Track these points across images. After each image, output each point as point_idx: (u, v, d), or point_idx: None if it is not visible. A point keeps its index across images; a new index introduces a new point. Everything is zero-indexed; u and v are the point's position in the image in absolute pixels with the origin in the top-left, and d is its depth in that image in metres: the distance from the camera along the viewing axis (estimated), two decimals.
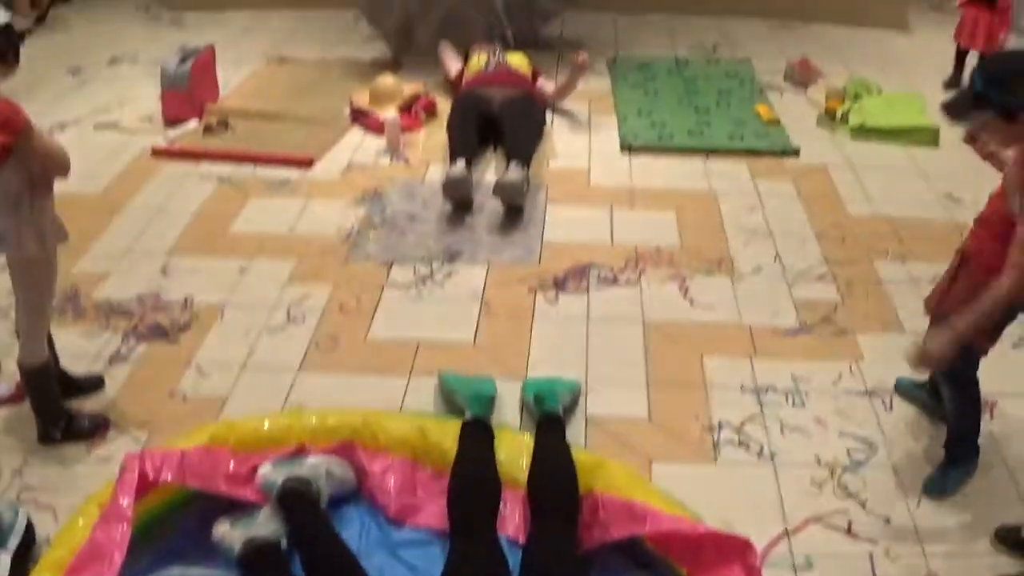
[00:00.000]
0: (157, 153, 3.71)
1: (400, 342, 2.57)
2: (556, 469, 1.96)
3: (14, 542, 1.89)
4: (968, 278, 2.00)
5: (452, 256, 2.97)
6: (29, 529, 1.94)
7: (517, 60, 4.08)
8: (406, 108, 3.98)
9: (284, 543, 1.88)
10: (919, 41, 5.16)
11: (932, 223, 3.19)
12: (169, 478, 1.92)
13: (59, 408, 2.24)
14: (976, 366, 2.09)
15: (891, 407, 2.38)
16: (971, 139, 2.13)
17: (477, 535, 1.82)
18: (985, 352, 2.05)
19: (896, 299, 2.78)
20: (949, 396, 2.13)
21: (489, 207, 3.25)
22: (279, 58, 4.88)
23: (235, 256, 2.99)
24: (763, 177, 3.54)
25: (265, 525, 1.90)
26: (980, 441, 2.17)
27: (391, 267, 2.92)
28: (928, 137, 3.79)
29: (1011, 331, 2.09)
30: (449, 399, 2.31)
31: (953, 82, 4.38)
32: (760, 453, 2.22)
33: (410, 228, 3.14)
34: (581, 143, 3.82)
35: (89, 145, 3.74)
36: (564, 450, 2.03)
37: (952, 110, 1.84)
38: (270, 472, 2.00)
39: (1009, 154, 1.92)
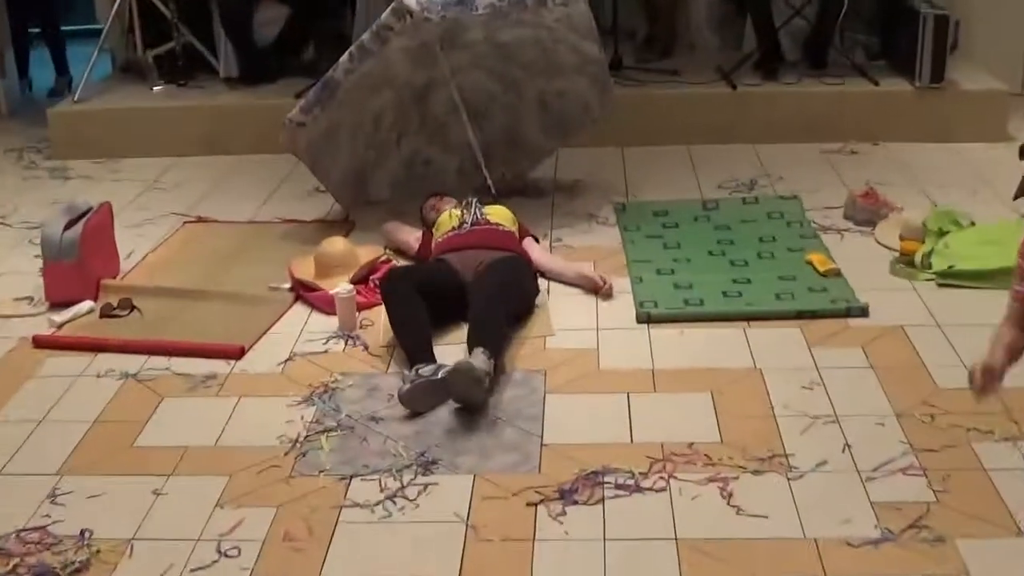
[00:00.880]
0: (40, 344, 3.89)
1: None
2: None
3: None
4: None
5: (428, 466, 3.10)
6: None
7: (499, 214, 4.35)
8: (362, 279, 4.22)
9: None
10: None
11: None
12: None
13: None
14: None
15: None
16: None
17: None
18: None
19: (1008, 492, 2.88)
20: None
21: None
22: (197, 218, 5.19)
23: (146, 475, 3.10)
24: (823, 345, 3.72)
25: None
26: None
27: (350, 483, 3.04)
28: None
29: None
30: None
31: None
32: None
33: (373, 432, 3.28)
34: (586, 314, 4.03)
35: None
36: None
37: None
38: None
39: None
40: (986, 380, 2.47)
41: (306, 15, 6.63)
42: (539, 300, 4.08)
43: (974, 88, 5.98)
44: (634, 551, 2.74)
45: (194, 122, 6.23)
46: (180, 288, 4.32)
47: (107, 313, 4.11)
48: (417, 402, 3.35)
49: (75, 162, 6.07)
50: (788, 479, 2.99)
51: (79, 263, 4.18)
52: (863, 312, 3.91)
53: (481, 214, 4.29)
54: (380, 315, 4.02)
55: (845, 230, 4.71)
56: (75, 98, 6.38)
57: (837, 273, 4.21)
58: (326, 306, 4.08)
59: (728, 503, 2.90)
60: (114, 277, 4.45)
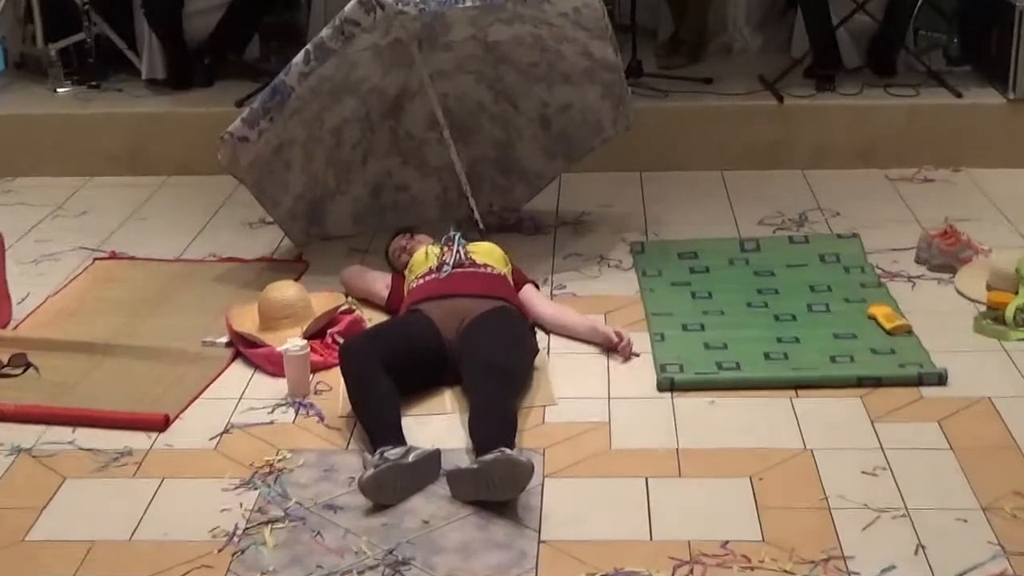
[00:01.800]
0: None
1: None
2: None
3: None
4: None
5: (397, 567, 3.08)
6: None
7: (488, 254, 4.35)
8: (317, 333, 4.24)
9: None
10: None
11: None
12: None
13: None
14: None
15: None
16: None
17: None
18: None
19: None
20: None
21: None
22: (111, 253, 5.21)
23: None
24: (889, 421, 3.72)
25: None
26: None
27: None
28: None
29: None
30: None
31: None
32: None
33: (329, 524, 3.27)
34: (595, 379, 4.04)
35: None
36: None
37: None
38: None
39: None
40: None
41: (250, 4, 6.69)
42: (537, 360, 4.10)
43: None
44: None
45: (109, 134, 6.27)
46: (88, 342, 4.31)
47: None
48: (382, 491, 3.34)
49: None
50: None
51: None
52: (940, 379, 3.92)
53: (465, 253, 4.30)
54: (339, 377, 4.03)
55: (918, 277, 4.75)
56: None
57: (908, 331, 4.23)
58: (272, 366, 4.09)
59: None
60: (4, 326, 4.46)
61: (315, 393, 3.99)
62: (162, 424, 3.79)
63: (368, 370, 3.70)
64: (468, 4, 4.57)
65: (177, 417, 3.85)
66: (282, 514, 3.32)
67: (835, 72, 6.32)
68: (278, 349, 4.03)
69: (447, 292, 4.09)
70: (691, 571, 3.04)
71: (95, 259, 5.16)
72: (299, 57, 4.54)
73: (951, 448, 3.57)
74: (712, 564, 3.06)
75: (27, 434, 3.77)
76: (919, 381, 3.91)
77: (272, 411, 3.89)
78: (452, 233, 4.38)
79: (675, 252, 5.02)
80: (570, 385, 4.00)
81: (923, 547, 3.12)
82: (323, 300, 4.38)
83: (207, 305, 4.60)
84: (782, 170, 6.02)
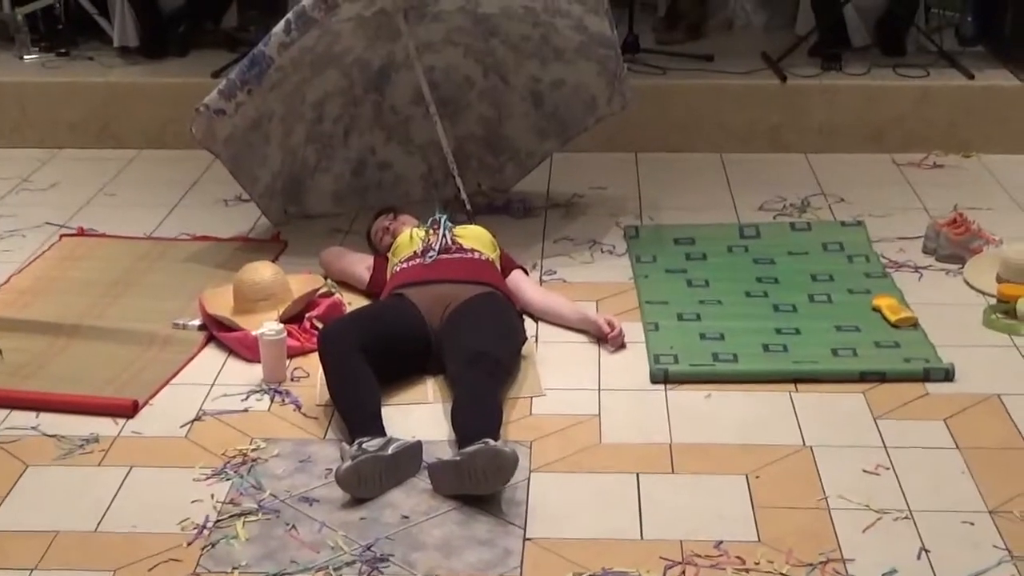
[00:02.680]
0: None
1: None
2: None
3: None
4: None
5: (375, 563, 3.08)
6: None
7: (475, 237, 4.36)
8: (295, 317, 4.23)
9: None
10: None
11: None
12: None
13: None
14: None
15: None
16: None
17: None
18: None
19: None
20: None
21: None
22: (79, 230, 5.20)
23: (1, 569, 3.08)
24: (893, 417, 3.73)
25: None
26: None
27: None
28: None
29: None
30: None
31: None
32: None
33: (304, 518, 3.27)
34: (585, 370, 4.04)
35: None
36: None
37: None
38: None
39: None
40: None
41: None
42: (525, 349, 4.10)
43: None
44: None
45: (78, 104, 6.26)
46: (54, 322, 4.31)
47: None
48: (360, 484, 3.34)
49: None
50: None
51: None
52: (947, 375, 3.93)
53: (452, 237, 4.30)
54: (318, 363, 4.03)
55: (925, 268, 4.77)
56: None
57: (913, 324, 4.25)
58: (247, 351, 4.09)
59: None
60: None
61: (292, 380, 3.99)
62: (130, 410, 3.79)
63: (348, 357, 3.70)
64: None
65: (146, 403, 3.85)
66: (255, 506, 3.32)
67: (842, 51, 6.33)
68: (253, 333, 4.03)
69: (432, 278, 4.09)
70: (683, 572, 3.05)
71: (62, 236, 5.15)
72: (279, 27, 4.52)
73: (957, 447, 3.58)
74: (705, 565, 3.07)
75: None
76: (925, 377, 3.93)
77: (246, 398, 3.89)
78: (438, 216, 4.38)
79: (671, 238, 5.02)
80: (559, 375, 4.01)
81: (927, 551, 3.13)
82: (301, 282, 4.38)
83: (179, 286, 4.59)
84: (784, 153, 6.04)
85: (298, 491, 3.39)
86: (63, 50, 6.62)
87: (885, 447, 3.59)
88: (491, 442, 3.30)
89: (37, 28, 6.70)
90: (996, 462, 3.51)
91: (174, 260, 4.89)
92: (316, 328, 4.16)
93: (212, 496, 3.38)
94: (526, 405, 3.84)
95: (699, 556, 3.10)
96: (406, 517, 3.28)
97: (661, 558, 3.09)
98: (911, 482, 3.42)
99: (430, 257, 4.19)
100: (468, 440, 3.35)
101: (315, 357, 3.98)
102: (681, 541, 3.16)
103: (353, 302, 4.43)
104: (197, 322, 4.27)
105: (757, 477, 3.44)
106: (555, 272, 4.76)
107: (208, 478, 3.46)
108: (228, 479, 3.46)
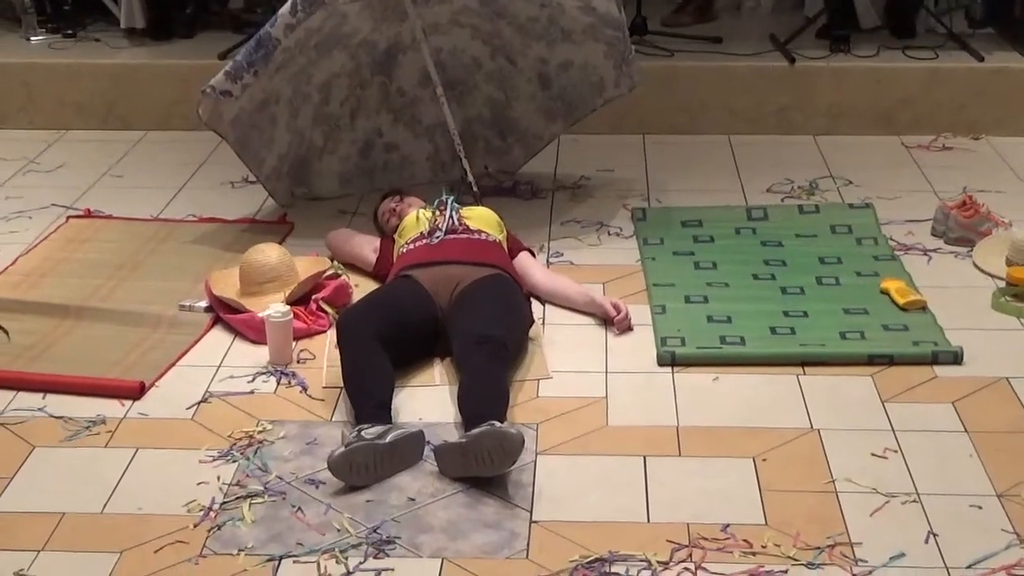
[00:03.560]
0: None
1: None
2: None
3: None
4: None
5: (382, 545, 3.09)
6: None
7: (482, 219, 4.35)
8: (301, 299, 4.23)
9: None
10: None
11: None
12: None
13: None
14: None
15: None
16: None
17: None
18: None
19: None
20: None
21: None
22: (86, 211, 5.20)
23: (8, 550, 3.09)
24: (901, 401, 3.73)
25: None
26: None
27: (279, 565, 3.03)
28: None
29: None
30: None
31: None
32: None
33: (310, 500, 3.28)
34: (592, 353, 4.04)
35: None
36: None
37: None
38: None
39: None
40: None
41: None
42: (532, 332, 4.10)
43: None
44: None
45: (85, 86, 6.26)
46: (61, 304, 4.32)
47: None
48: (351, 471, 3.33)
49: None
50: (853, 575, 2.99)
51: None
52: (955, 358, 3.93)
53: (459, 218, 4.30)
54: (324, 345, 4.04)
55: (934, 250, 4.76)
56: None
57: (922, 307, 4.24)
58: (253, 332, 4.09)
59: None
60: None
61: (298, 362, 3.99)
62: (137, 392, 3.79)
63: (365, 346, 3.69)
64: None
65: (153, 385, 3.86)
66: (261, 488, 3.33)
67: (850, 32, 6.31)
68: (259, 315, 4.03)
69: (438, 259, 4.09)
70: (690, 555, 3.05)
71: (69, 217, 5.16)
72: (285, 8, 4.51)
73: (966, 431, 3.58)
74: (712, 548, 3.07)
75: None
76: (933, 360, 3.92)
77: (253, 380, 3.90)
78: (445, 197, 4.37)
79: (678, 220, 5.02)
80: (566, 358, 4.00)
81: (934, 534, 3.13)
82: (308, 264, 4.38)
83: (186, 268, 4.60)
84: (793, 135, 6.03)
85: (304, 473, 3.40)
86: (70, 31, 6.62)
87: (893, 430, 3.58)
88: (497, 424, 3.30)
89: (44, 9, 6.69)
90: (1005, 445, 3.50)
91: (180, 242, 4.89)
92: (323, 310, 4.18)
93: (218, 478, 3.38)
94: (533, 388, 3.83)
95: (706, 539, 3.10)
96: (412, 499, 3.28)
97: (668, 541, 3.10)
98: (919, 465, 3.41)
99: (437, 238, 4.19)
100: (474, 422, 3.35)
101: (322, 339, 4.01)
102: (688, 524, 3.17)
103: (360, 284, 4.43)
104: (203, 304, 4.27)
105: (764, 460, 3.44)
106: (562, 254, 4.76)
107: (214, 460, 3.47)
108: (234, 461, 3.46)
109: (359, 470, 3.32)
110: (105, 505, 3.29)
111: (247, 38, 4.76)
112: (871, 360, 3.92)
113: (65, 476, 3.42)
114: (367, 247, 4.55)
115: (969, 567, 3.01)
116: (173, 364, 3.98)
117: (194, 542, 3.12)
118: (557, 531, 3.15)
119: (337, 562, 3.04)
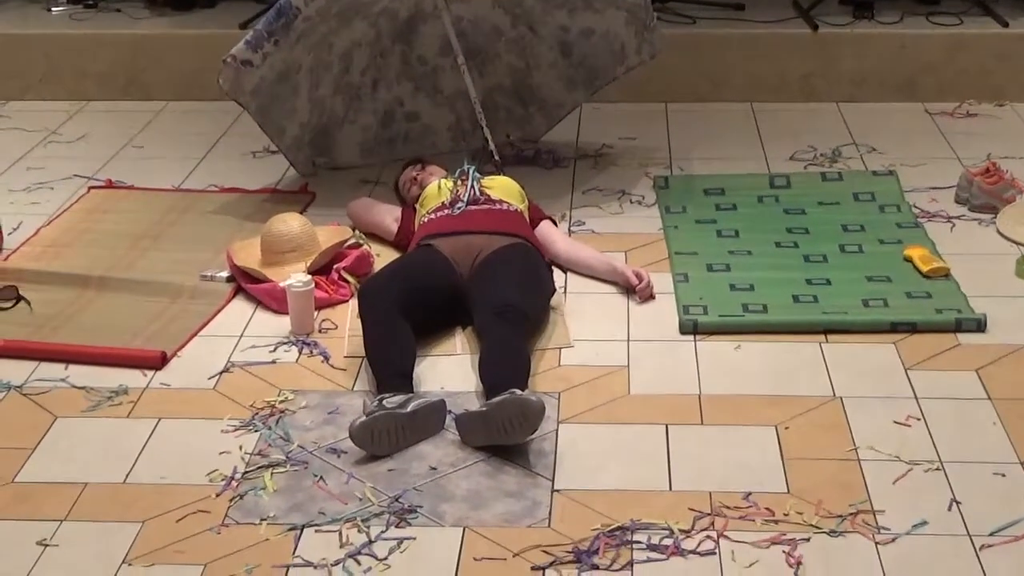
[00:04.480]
0: None
1: None
2: None
3: None
4: None
5: (404, 514, 3.10)
6: None
7: (504, 189, 4.36)
8: (323, 268, 4.23)
9: None
10: None
11: None
12: None
13: None
14: None
15: None
16: None
17: None
18: None
19: None
20: None
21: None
22: (107, 182, 5.21)
23: (31, 520, 3.11)
24: (924, 368, 3.72)
25: None
26: None
27: (301, 535, 3.04)
28: None
29: None
30: None
31: None
32: None
33: (332, 469, 3.29)
34: (614, 321, 4.04)
35: None
36: None
37: None
38: None
39: None
40: None
41: None
42: (554, 300, 4.10)
43: None
44: None
45: (106, 56, 6.26)
46: (83, 274, 4.33)
47: None
48: (372, 440, 3.33)
49: None
50: (876, 543, 2.99)
51: None
52: (979, 326, 3.92)
53: (480, 189, 4.29)
54: (346, 315, 4.04)
55: (957, 218, 4.74)
56: None
57: (945, 274, 4.23)
58: (275, 302, 4.10)
59: (796, 573, 2.90)
60: None
61: (320, 331, 3.99)
62: (159, 361, 3.81)
63: (387, 315, 3.70)
64: None
65: (175, 355, 3.87)
66: (283, 458, 3.34)
67: None
68: (281, 284, 4.03)
69: (460, 228, 4.09)
70: (712, 523, 3.05)
71: (90, 188, 5.17)
72: None
73: (989, 398, 3.57)
74: (734, 516, 3.08)
75: (18, 370, 3.79)
76: (957, 327, 3.91)
77: (274, 349, 3.90)
78: (466, 167, 4.37)
79: (701, 188, 5.01)
80: (588, 327, 4.00)
81: (957, 502, 3.13)
82: (329, 233, 4.38)
83: (207, 238, 4.61)
84: (816, 103, 6.00)
85: (326, 442, 3.41)
86: (91, 2, 6.62)
87: (916, 398, 3.58)
88: (518, 392, 3.29)
89: None
90: None
91: (202, 212, 4.90)
92: (344, 280, 4.18)
93: (240, 447, 3.40)
94: (555, 356, 3.83)
95: (728, 507, 3.10)
96: (434, 468, 3.29)
97: (690, 509, 3.10)
98: (942, 433, 3.41)
99: (458, 208, 4.18)
100: (495, 391, 3.35)
101: (343, 309, 4.01)
102: (710, 492, 3.17)
103: (381, 253, 4.43)
104: (225, 274, 4.28)
105: (787, 428, 3.44)
106: (584, 223, 4.75)
107: (236, 429, 3.48)
108: (256, 431, 3.47)
109: (380, 439, 3.32)
110: (127, 475, 3.30)
111: (267, 7, 4.75)
112: (894, 328, 3.91)
113: (87, 446, 3.43)
114: (388, 216, 4.54)
115: (992, 535, 3.00)
116: (195, 334, 3.99)
117: (216, 511, 3.13)
118: (579, 500, 3.15)
119: (359, 531, 3.05)
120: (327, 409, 3.57)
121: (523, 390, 3.36)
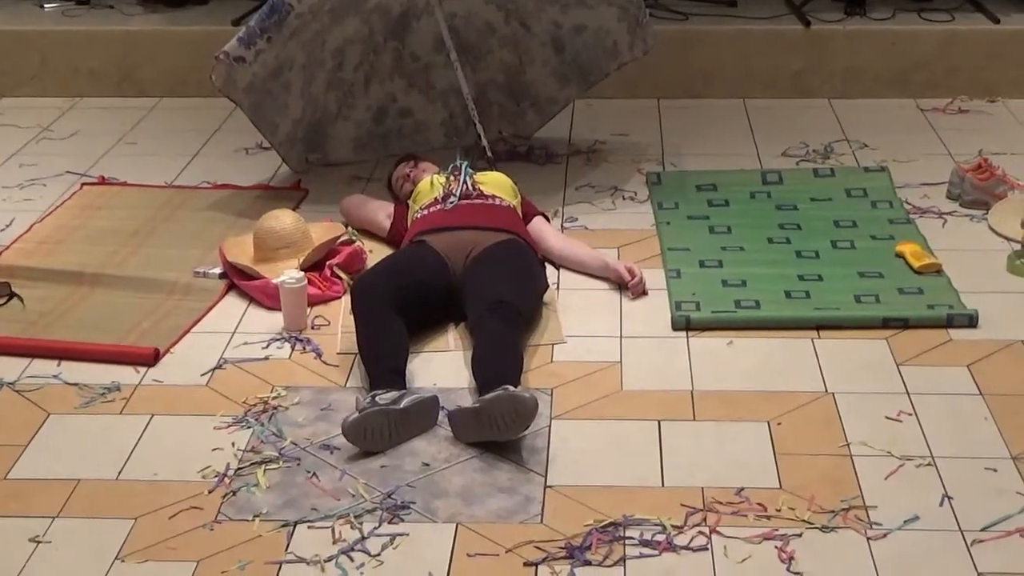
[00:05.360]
0: None
1: None
2: None
3: None
4: None
5: (396, 511, 3.10)
6: None
7: (496, 184, 4.35)
8: (315, 265, 4.23)
9: None
10: None
11: None
12: None
13: None
14: None
15: None
16: None
17: None
18: None
19: None
20: None
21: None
22: (100, 179, 5.21)
23: (23, 516, 3.11)
24: (916, 364, 3.73)
25: None
26: None
27: (294, 531, 3.04)
28: None
29: None
30: None
31: None
32: None
33: (325, 466, 3.29)
34: (606, 317, 4.04)
35: None
36: None
37: None
38: None
39: None
40: None
41: None
42: (546, 296, 4.10)
43: None
44: None
45: (98, 52, 6.25)
46: (75, 271, 4.33)
47: None
48: (365, 436, 3.33)
49: None
50: (868, 539, 2.99)
51: None
52: (971, 321, 3.92)
53: (473, 184, 4.28)
54: (339, 311, 4.04)
55: (949, 213, 4.74)
56: None
57: (937, 270, 4.23)
58: (268, 299, 4.09)
59: (788, 568, 2.90)
60: None
61: (312, 328, 3.99)
62: (152, 358, 3.80)
63: (380, 312, 3.70)
64: None
65: (167, 351, 3.87)
66: (276, 454, 3.34)
67: None
68: (274, 281, 4.03)
69: (453, 224, 4.08)
70: (704, 519, 3.05)
71: (83, 184, 5.16)
72: None
73: (981, 394, 3.58)
74: (727, 512, 3.08)
75: (10, 367, 3.78)
76: (948, 323, 3.92)
77: (267, 346, 3.90)
78: (459, 162, 4.36)
79: (693, 184, 5.01)
80: (580, 323, 4.00)
81: (949, 497, 3.13)
82: (322, 230, 4.38)
83: (200, 234, 4.60)
84: (808, 99, 6.01)
85: (319, 439, 3.41)
86: None
87: (908, 393, 3.58)
88: (511, 388, 3.29)
89: None
90: (1020, 408, 3.50)
91: (195, 209, 4.89)
92: (337, 276, 4.18)
93: (233, 444, 3.39)
94: (547, 352, 3.83)
95: (720, 503, 3.11)
96: (427, 464, 3.28)
97: (682, 505, 3.10)
98: (934, 428, 3.41)
99: (451, 203, 4.18)
100: (488, 387, 3.34)
101: (336, 305, 4.01)
102: (702, 488, 3.17)
103: (374, 250, 4.43)
104: (218, 270, 4.28)
105: (779, 424, 3.44)
106: (577, 219, 4.74)
107: (229, 426, 3.48)
108: (249, 427, 3.47)
109: (373, 435, 3.32)
110: (120, 472, 3.30)
111: (260, 4, 4.75)
112: (886, 323, 3.91)
113: (80, 443, 3.43)
114: (381, 213, 4.54)
115: (983, 530, 3.01)
116: (188, 331, 3.98)
117: (209, 508, 3.13)
118: (571, 496, 3.15)
119: (352, 527, 3.05)
120: (320, 405, 3.56)
121: (516, 386, 3.35)
